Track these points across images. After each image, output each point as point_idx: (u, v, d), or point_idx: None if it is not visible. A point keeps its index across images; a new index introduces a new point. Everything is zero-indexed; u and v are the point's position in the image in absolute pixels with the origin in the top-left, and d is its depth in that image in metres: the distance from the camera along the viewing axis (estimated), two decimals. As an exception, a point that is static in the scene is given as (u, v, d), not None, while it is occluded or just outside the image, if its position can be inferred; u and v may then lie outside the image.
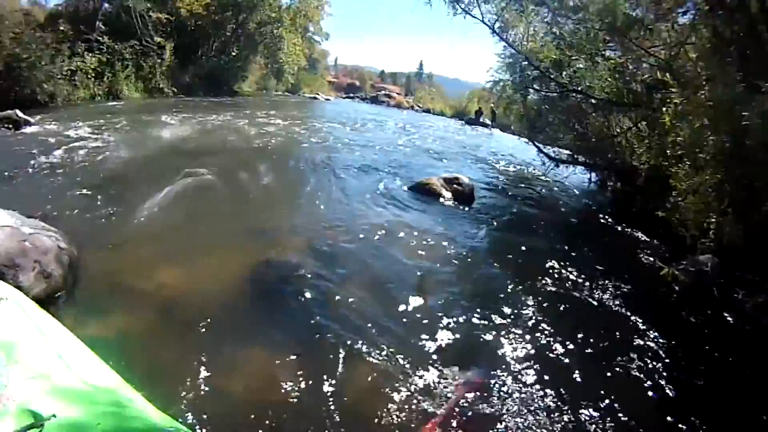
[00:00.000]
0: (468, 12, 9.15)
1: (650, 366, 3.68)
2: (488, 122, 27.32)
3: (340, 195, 7.09)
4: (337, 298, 3.97)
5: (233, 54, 22.91)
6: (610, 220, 8.24)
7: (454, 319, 3.90)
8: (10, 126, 8.89)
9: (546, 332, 3.93)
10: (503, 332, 3.84)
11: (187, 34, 19.81)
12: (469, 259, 5.24)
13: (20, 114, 9.26)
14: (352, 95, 42.74)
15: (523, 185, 10.53)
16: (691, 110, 5.23)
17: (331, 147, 11.16)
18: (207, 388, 2.74)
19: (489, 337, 3.75)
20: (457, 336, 3.68)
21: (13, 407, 1.37)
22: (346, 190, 7.34)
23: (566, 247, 6.18)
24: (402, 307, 3.98)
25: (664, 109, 6.63)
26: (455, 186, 7.54)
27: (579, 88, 8.27)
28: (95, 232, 4.69)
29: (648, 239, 7.14)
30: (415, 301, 4.09)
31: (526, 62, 8.88)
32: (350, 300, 3.96)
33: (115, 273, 3.89)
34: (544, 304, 4.41)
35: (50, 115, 10.45)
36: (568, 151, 10.76)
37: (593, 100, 8.31)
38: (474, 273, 4.95)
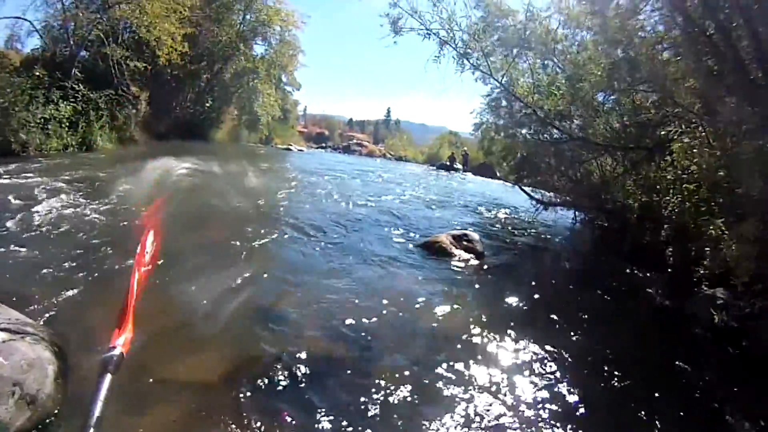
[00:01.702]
0: (477, 68, 9.40)
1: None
2: (460, 167, 27.89)
3: (350, 261, 6.35)
4: (364, 378, 3.53)
5: (208, 105, 22.80)
6: (603, 258, 8.36)
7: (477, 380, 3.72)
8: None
9: (570, 385, 3.75)
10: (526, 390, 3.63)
11: (163, 84, 19.61)
12: (490, 321, 4.84)
13: (-13, 165, 8.46)
14: (324, 145, 43.00)
15: (517, 230, 10.52)
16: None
17: (322, 203, 10.61)
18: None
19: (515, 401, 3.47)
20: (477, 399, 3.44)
21: None
22: (353, 256, 6.62)
23: (576, 292, 6.24)
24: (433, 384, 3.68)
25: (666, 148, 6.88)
26: (465, 243, 7.26)
27: (578, 135, 8.43)
28: (81, 317, 3.83)
29: (646, 274, 7.20)
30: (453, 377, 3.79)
31: (530, 112, 8.98)
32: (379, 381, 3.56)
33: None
34: (567, 356, 4.23)
35: (21, 167, 9.70)
36: (553, 193, 11.03)
37: (590, 145, 8.45)
38: (497, 336, 4.54)
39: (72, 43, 15.29)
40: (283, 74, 27.23)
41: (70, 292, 4.16)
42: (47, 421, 2.59)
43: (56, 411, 2.66)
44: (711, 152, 5.33)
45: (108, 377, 1.46)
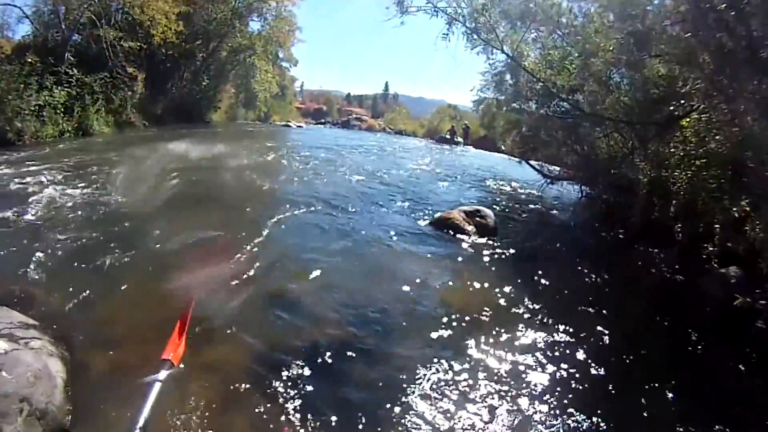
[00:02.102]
0: (488, 43, 9.15)
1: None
2: (461, 140, 27.59)
3: (364, 240, 6.32)
4: (380, 359, 3.55)
5: (204, 84, 22.39)
6: (611, 233, 8.33)
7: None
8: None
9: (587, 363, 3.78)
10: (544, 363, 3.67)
11: (158, 64, 19.20)
12: (508, 301, 4.85)
13: (-16, 156, 8.21)
14: (323, 121, 42.44)
15: (525, 205, 10.51)
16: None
17: (331, 180, 10.55)
18: None
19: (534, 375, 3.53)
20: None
21: None
22: (367, 234, 6.58)
23: (586, 267, 6.17)
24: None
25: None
26: (478, 219, 7.19)
27: (588, 110, 8.25)
28: (86, 315, 3.66)
29: (654, 250, 7.18)
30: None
31: (540, 86, 8.81)
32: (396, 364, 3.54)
33: (124, 382, 2.67)
34: (586, 335, 4.23)
35: (17, 156, 9.50)
36: (559, 168, 10.91)
37: (600, 120, 8.27)
38: (512, 315, 4.58)
39: (64, 27, 14.85)
40: (279, 50, 26.70)
41: (74, 289, 4.00)
42: (60, 433, 2.45)
43: (68, 421, 2.53)
44: (731, 130, 5.15)
45: (158, 386, 1.50)
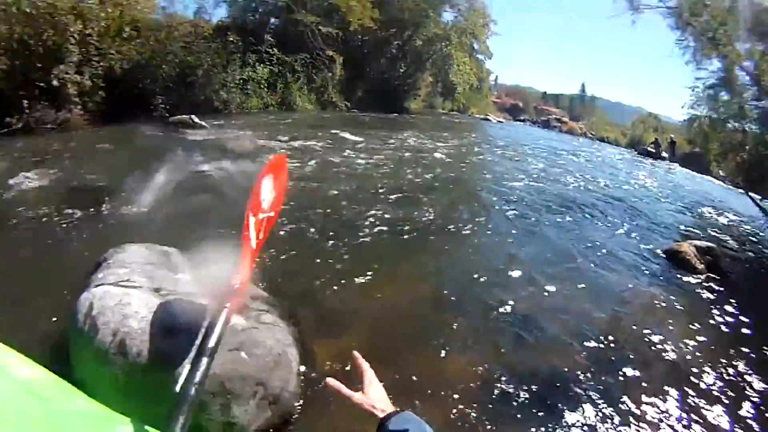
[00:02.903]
0: (725, 55, 8.05)
1: None
2: (665, 155, 24.15)
3: (590, 260, 5.80)
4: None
5: (401, 71, 22.63)
6: None
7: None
8: (185, 129, 9.36)
9: None
10: None
11: (354, 50, 19.92)
12: (734, 360, 3.95)
13: (195, 119, 9.69)
14: (522, 118, 40.94)
15: (752, 246, 8.77)
16: None
17: (547, 184, 9.89)
18: None
19: None
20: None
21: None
22: (593, 253, 6.09)
23: None
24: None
25: None
26: (708, 257, 6.25)
27: None
28: (314, 299, 3.53)
29: None
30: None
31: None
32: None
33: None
34: None
35: (224, 122, 10.83)
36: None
37: None
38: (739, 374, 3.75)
39: (260, 11, 16.08)
40: (475, 42, 25.86)
41: (302, 267, 3.99)
42: (287, 421, 2.36)
43: (297, 410, 2.43)
44: None
45: (226, 312, 1.48)
